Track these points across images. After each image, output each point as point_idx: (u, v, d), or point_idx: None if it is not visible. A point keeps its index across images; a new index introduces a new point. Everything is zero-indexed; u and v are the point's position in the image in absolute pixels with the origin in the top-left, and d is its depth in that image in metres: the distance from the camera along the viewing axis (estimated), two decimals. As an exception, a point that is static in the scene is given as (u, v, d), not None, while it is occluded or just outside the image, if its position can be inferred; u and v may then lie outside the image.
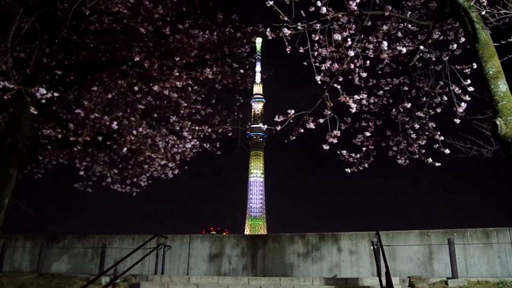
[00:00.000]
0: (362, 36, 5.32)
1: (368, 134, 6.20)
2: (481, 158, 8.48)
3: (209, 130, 8.09)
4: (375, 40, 5.60)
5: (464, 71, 5.35)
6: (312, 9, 4.79)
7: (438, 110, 5.98)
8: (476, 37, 4.17)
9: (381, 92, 6.20)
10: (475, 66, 4.98)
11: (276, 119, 5.09)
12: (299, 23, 4.72)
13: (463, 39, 5.46)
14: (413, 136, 6.22)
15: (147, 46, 7.34)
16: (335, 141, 5.33)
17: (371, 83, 6.07)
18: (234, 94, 8.48)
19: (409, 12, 5.64)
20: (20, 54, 6.25)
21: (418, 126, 6.14)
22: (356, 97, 5.49)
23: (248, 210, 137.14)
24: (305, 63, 4.94)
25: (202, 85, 7.90)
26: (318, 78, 5.08)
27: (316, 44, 5.01)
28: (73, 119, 7.71)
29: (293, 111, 5.03)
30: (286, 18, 4.61)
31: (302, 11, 4.67)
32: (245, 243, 10.25)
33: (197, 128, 7.98)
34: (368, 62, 5.45)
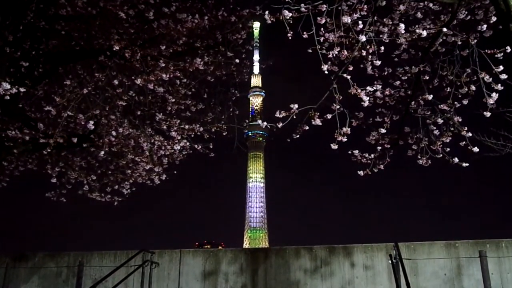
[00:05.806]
0: (375, 18, 5.31)
1: (383, 131, 6.22)
2: (516, 156, 8.44)
3: (201, 129, 8.09)
4: (390, 23, 5.58)
5: (496, 56, 5.31)
6: (317, -13, 4.77)
7: (465, 102, 5.98)
8: (510, 16, 4.13)
9: (398, 83, 6.21)
10: (508, 50, 5.01)
11: (278, 115, 5.16)
12: (302, 4, 4.73)
13: (494, 19, 5.39)
14: (436, 132, 6.25)
15: (128, 33, 7.29)
16: (344, 139, 5.36)
17: (386, 73, 6.09)
18: (229, 87, 8.49)
19: (431, -12, 5.60)
20: (-22, 44, 6.23)
21: (442, 121, 6.15)
22: (369, 88, 5.54)
23: (247, 220, 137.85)
24: (309, 51, 4.93)
25: (192, 78, 7.89)
26: (325, 67, 5.09)
27: (322, 29, 5.01)
28: (43, 118, 7.70)
29: (296, 106, 5.10)
30: (287, -1, 4.59)
31: (305, -10, 4.65)
32: (244, 258, 10.21)
33: (187, 127, 7.97)
34: (382, 48, 5.43)
